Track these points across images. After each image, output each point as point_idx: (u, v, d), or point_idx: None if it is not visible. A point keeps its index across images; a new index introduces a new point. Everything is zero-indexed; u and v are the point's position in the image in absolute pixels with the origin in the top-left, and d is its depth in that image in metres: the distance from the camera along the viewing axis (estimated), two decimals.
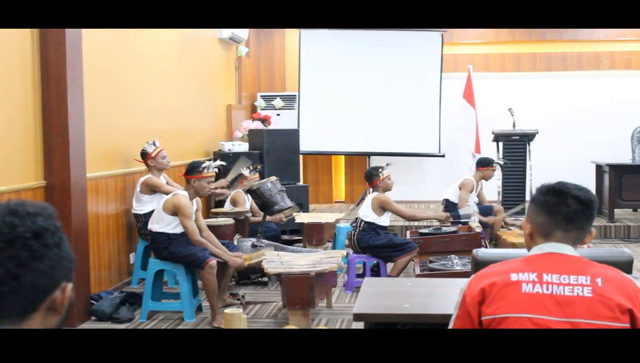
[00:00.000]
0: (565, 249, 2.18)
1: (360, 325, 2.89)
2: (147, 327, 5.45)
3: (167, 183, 6.77)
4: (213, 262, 5.47)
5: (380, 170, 6.69)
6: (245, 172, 7.48)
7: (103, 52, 6.39)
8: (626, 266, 2.96)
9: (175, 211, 5.49)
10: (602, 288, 2.06)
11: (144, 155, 6.69)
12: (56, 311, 1.37)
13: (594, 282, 2.07)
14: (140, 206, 6.60)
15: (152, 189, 6.57)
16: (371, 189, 6.78)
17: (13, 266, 1.29)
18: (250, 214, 7.16)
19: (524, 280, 2.10)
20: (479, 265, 2.92)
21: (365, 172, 6.97)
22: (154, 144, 6.70)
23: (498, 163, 8.53)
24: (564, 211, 2.17)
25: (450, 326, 2.19)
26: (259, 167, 7.84)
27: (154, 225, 5.58)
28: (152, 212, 6.16)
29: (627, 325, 2.03)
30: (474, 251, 3.10)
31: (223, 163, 6.52)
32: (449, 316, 2.23)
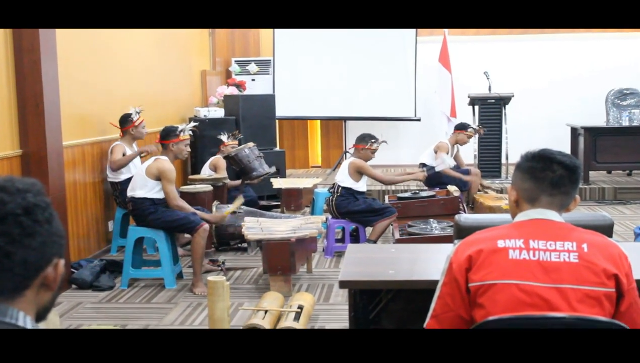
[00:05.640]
0: (551, 215, 2.19)
1: (345, 292, 2.90)
2: (129, 295, 5.44)
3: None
4: (206, 226, 5.52)
5: (374, 140, 6.63)
6: (224, 137, 7.43)
7: None
8: (607, 230, 2.98)
9: (159, 176, 5.47)
10: (588, 253, 2.08)
11: (127, 121, 6.60)
12: (49, 287, 1.37)
13: (580, 248, 2.09)
14: (116, 174, 6.53)
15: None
16: (349, 155, 6.75)
17: (4, 243, 1.27)
18: (228, 180, 7.12)
19: (510, 246, 2.11)
20: (461, 230, 2.94)
21: (360, 134, 6.86)
22: (138, 113, 6.62)
23: (473, 128, 8.56)
24: (550, 176, 2.19)
25: (437, 292, 2.20)
26: (238, 134, 7.80)
27: (135, 192, 5.54)
28: (128, 179, 6.11)
29: (612, 290, 2.05)
30: (456, 217, 3.11)
31: (197, 124, 6.51)
32: (434, 282, 2.24)
